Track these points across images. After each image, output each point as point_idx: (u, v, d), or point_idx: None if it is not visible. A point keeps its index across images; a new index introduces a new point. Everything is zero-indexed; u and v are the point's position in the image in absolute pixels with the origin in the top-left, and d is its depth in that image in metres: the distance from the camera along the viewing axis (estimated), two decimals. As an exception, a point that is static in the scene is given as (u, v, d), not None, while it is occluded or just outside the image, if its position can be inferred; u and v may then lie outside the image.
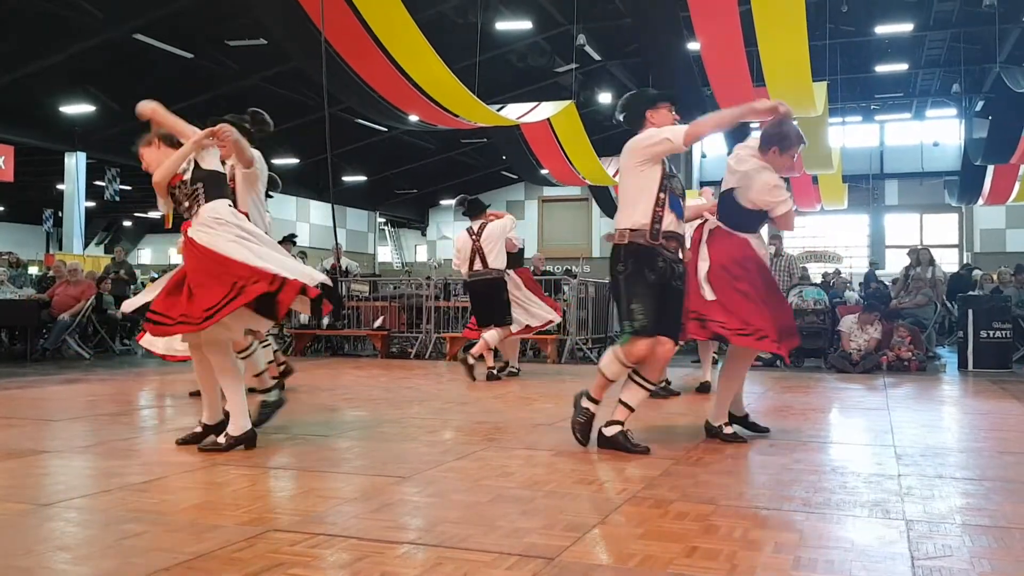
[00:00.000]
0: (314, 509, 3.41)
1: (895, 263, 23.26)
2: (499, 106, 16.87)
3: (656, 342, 4.63)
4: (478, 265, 9.01)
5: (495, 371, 9.03)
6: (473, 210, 9.23)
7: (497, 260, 8.99)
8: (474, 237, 9.07)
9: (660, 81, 16.11)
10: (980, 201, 23.20)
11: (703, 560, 2.77)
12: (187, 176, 4.67)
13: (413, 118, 15.72)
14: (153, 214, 30.89)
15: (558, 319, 10.18)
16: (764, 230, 5.26)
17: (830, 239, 29.35)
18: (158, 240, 34.92)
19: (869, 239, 29.55)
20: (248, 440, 4.67)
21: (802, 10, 11.68)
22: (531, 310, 9.54)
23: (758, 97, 14.53)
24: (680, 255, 4.80)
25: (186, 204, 4.67)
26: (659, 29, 12.94)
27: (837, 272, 18.87)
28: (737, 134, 21.45)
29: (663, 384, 8.10)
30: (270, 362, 6.13)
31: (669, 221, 4.66)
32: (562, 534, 3.04)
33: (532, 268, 15.53)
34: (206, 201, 4.63)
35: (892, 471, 4.27)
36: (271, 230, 6.03)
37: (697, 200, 6.84)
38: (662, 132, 4.64)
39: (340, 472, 4.22)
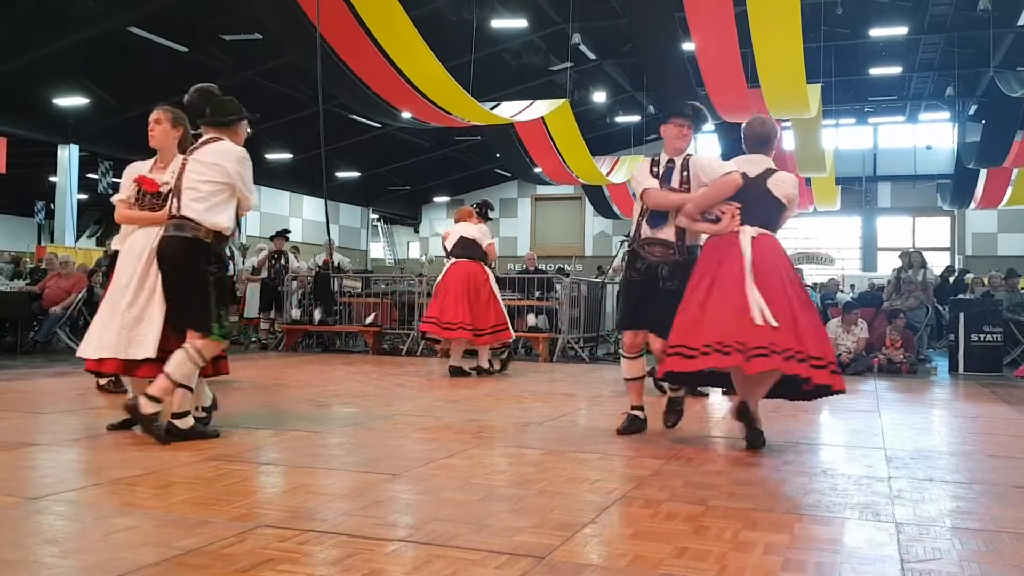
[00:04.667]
0: (304, 505, 3.40)
1: (887, 266, 23.31)
2: (493, 104, 16.85)
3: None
4: None
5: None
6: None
7: None
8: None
9: (655, 81, 16.14)
10: (972, 205, 23.27)
11: (693, 561, 2.77)
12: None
13: (406, 115, 15.69)
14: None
15: None
16: None
17: (822, 241, 29.42)
18: (150, 233, 34.63)
19: (861, 241, 29.62)
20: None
21: (797, 12, 11.69)
22: None
23: (752, 98, 14.45)
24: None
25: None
26: (654, 29, 12.93)
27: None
28: (732, 139, 21.51)
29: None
30: None
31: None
32: (552, 533, 3.04)
33: (524, 266, 15.57)
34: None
35: (882, 474, 4.28)
36: None
37: None
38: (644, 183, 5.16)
39: (330, 468, 4.21)
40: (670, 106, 5.30)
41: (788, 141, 18.82)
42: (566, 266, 21.77)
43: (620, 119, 25.58)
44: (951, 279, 16.92)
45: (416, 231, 36.10)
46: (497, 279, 9.96)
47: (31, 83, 17.59)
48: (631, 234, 5.29)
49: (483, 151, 27.27)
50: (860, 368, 10.55)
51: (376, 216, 34.94)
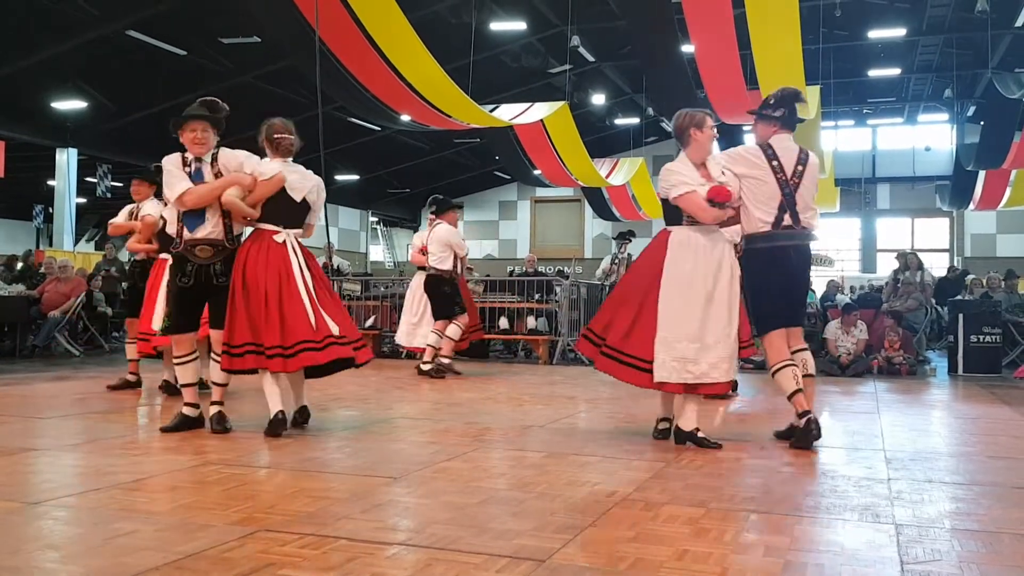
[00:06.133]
0: (304, 509, 3.40)
1: (886, 267, 23.30)
2: (493, 107, 16.85)
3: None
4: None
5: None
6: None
7: (441, 261, 9.30)
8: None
9: (654, 83, 16.14)
10: (971, 206, 23.25)
11: (694, 563, 2.77)
12: None
13: (405, 118, 15.68)
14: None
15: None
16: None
17: (822, 242, 29.37)
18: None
19: (861, 243, 29.63)
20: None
21: (796, 14, 11.70)
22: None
23: (752, 100, 14.48)
24: None
25: None
26: (653, 31, 12.92)
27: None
28: (732, 141, 21.53)
29: None
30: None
31: None
32: (553, 536, 3.04)
33: (524, 268, 15.57)
34: None
35: (882, 475, 4.28)
36: None
37: None
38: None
39: (330, 472, 4.21)
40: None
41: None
42: (566, 268, 21.77)
43: (619, 121, 25.58)
44: (950, 277, 16.92)
45: (415, 233, 36.09)
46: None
47: (30, 87, 17.58)
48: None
49: (482, 154, 27.26)
50: (859, 369, 10.55)
51: (375, 219, 34.92)
